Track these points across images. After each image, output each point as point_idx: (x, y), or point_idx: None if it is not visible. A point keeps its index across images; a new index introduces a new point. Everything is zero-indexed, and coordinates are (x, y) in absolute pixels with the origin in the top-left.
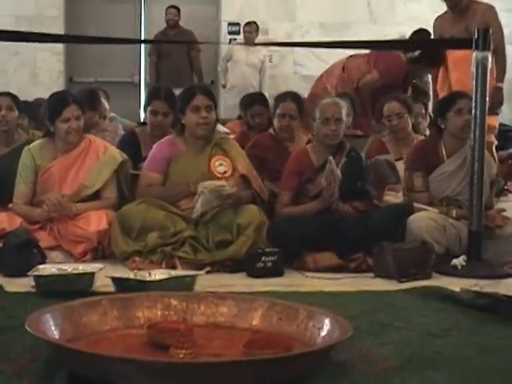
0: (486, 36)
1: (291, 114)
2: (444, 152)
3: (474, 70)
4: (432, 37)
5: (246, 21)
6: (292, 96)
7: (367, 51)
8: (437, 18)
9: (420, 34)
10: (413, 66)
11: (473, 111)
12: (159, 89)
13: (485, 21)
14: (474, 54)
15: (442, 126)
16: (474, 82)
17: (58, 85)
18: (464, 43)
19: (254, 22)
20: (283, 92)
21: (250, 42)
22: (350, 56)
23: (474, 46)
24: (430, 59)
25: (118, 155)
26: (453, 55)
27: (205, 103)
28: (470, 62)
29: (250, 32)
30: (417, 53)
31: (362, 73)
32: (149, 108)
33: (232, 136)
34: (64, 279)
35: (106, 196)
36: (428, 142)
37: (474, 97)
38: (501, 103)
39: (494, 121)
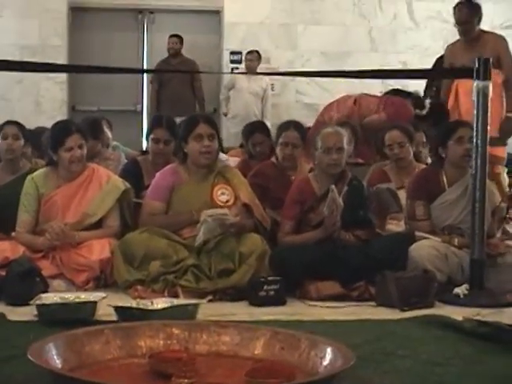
0: (487, 66)
1: (294, 143)
2: (445, 180)
3: (475, 99)
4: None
5: (248, 49)
6: (294, 125)
7: (379, 94)
8: (448, 46)
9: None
10: (419, 122)
11: (474, 140)
12: (161, 117)
13: (496, 51)
14: (475, 84)
15: (443, 155)
16: (475, 111)
17: (60, 113)
18: (465, 73)
19: (256, 51)
20: (285, 121)
21: (251, 70)
22: (364, 94)
23: (474, 76)
24: (437, 120)
25: (121, 184)
26: (463, 86)
27: (207, 132)
28: None
29: (251, 60)
30: (425, 111)
31: (370, 111)
32: (151, 136)
33: (233, 160)
34: (66, 308)
35: (108, 225)
36: (429, 170)
37: (475, 126)
38: (511, 133)
39: (502, 152)
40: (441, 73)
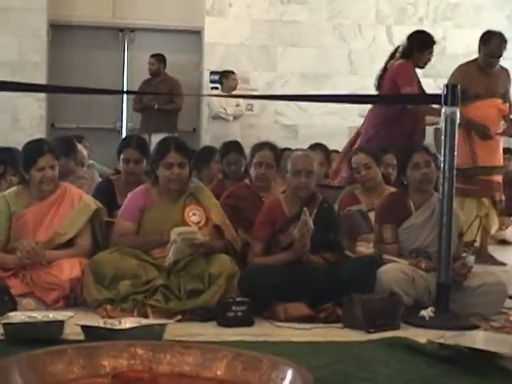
0: (455, 92)
1: (268, 163)
2: (412, 205)
3: (442, 124)
4: (452, 81)
5: (224, 70)
6: (269, 145)
7: None
8: (462, 66)
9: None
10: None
11: (441, 165)
12: (131, 137)
13: (506, 84)
14: (443, 110)
15: (405, 182)
16: (442, 137)
17: (39, 131)
18: (433, 99)
19: (232, 72)
20: (260, 142)
21: (228, 91)
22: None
23: (442, 102)
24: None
25: (93, 203)
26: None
27: (178, 160)
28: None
29: (228, 81)
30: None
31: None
32: (121, 156)
33: None
34: (33, 327)
35: (79, 244)
36: (396, 194)
37: (442, 151)
38: None
39: (498, 178)
40: (410, 99)
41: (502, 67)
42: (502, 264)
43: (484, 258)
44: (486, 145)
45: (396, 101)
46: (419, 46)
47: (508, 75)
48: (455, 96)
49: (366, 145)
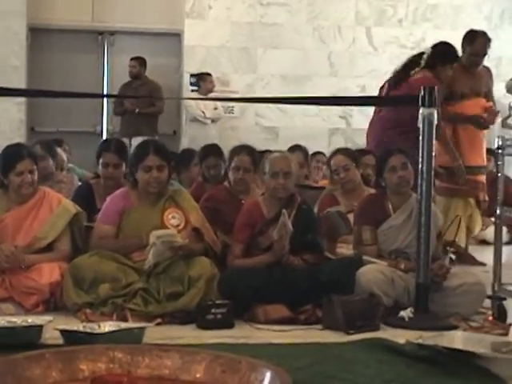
0: (432, 94)
1: (245, 167)
2: (390, 206)
3: (420, 126)
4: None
5: (201, 72)
6: (246, 149)
7: None
8: None
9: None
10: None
11: (419, 166)
12: (110, 141)
13: (488, 84)
14: (421, 111)
15: (383, 184)
16: (420, 138)
17: (19, 135)
18: (410, 101)
19: (209, 74)
20: (238, 145)
21: (206, 93)
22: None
23: (420, 103)
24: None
25: (72, 207)
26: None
27: (156, 163)
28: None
29: (205, 83)
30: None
31: None
32: (100, 160)
33: None
34: (12, 332)
35: (59, 248)
36: (375, 196)
37: (420, 152)
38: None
39: (482, 178)
40: (387, 101)
41: (484, 66)
42: (482, 264)
43: (465, 258)
44: (471, 144)
45: (373, 103)
46: (443, 59)
47: (491, 75)
48: (432, 97)
49: (375, 149)
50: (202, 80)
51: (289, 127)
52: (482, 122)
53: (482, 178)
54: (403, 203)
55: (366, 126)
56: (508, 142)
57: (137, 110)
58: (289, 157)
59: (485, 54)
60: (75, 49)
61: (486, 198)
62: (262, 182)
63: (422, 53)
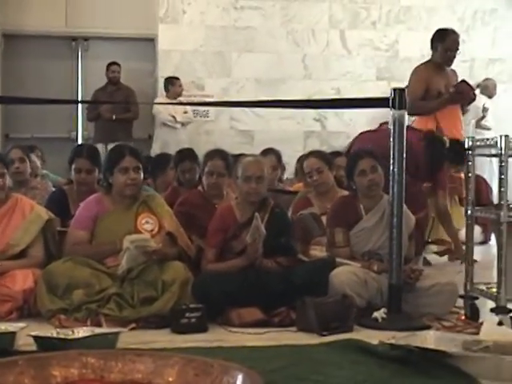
0: (402, 96)
1: (219, 172)
2: (362, 208)
3: (391, 127)
4: (414, 81)
5: (169, 76)
6: (220, 154)
7: None
8: (420, 67)
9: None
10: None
11: (391, 168)
12: (82, 147)
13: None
14: (391, 113)
15: (354, 187)
16: (391, 139)
17: None
18: (381, 102)
19: (176, 78)
20: (212, 150)
21: (174, 97)
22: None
23: (390, 105)
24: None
25: (45, 214)
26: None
27: (133, 164)
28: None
29: (173, 87)
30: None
31: None
32: (72, 166)
33: None
34: None
35: (32, 255)
36: (347, 198)
37: (391, 154)
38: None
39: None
40: (358, 102)
41: (451, 69)
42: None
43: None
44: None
45: (348, 105)
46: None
47: (457, 78)
48: (403, 99)
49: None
50: (170, 84)
51: (264, 131)
52: (460, 97)
53: (461, 174)
54: (375, 205)
55: (341, 128)
56: (478, 143)
57: (114, 117)
58: (261, 161)
59: (457, 48)
60: (49, 55)
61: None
62: (236, 187)
63: None
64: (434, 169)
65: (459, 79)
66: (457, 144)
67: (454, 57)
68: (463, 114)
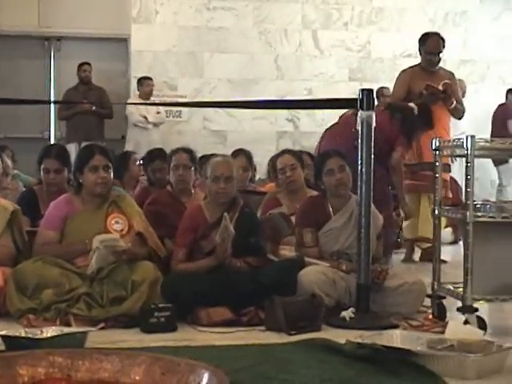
0: (370, 97)
1: (184, 164)
2: (331, 208)
3: (359, 128)
4: (397, 83)
5: (140, 76)
6: (183, 148)
7: None
8: (406, 70)
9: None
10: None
11: (359, 168)
12: (51, 147)
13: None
14: (359, 114)
15: (322, 187)
16: (359, 140)
17: None
18: (349, 103)
19: (148, 78)
20: (176, 147)
21: (145, 97)
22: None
23: (358, 106)
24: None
25: (10, 205)
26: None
27: (103, 163)
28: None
29: (143, 87)
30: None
31: None
32: (41, 166)
33: None
34: None
35: (1, 244)
36: (316, 198)
37: (359, 154)
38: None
39: (446, 175)
40: (326, 103)
41: (445, 70)
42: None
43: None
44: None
45: (320, 106)
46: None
47: (452, 77)
48: (371, 100)
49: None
50: (140, 84)
51: (237, 131)
52: (441, 96)
53: (445, 175)
54: (343, 205)
55: (314, 128)
56: (445, 143)
57: (93, 108)
58: (230, 161)
59: (439, 51)
60: (21, 55)
61: (450, 195)
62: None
63: None
64: (411, 137)
65: (457, 80)
66: (426, 107)
67: (438, 60)
68: (452, 112)
